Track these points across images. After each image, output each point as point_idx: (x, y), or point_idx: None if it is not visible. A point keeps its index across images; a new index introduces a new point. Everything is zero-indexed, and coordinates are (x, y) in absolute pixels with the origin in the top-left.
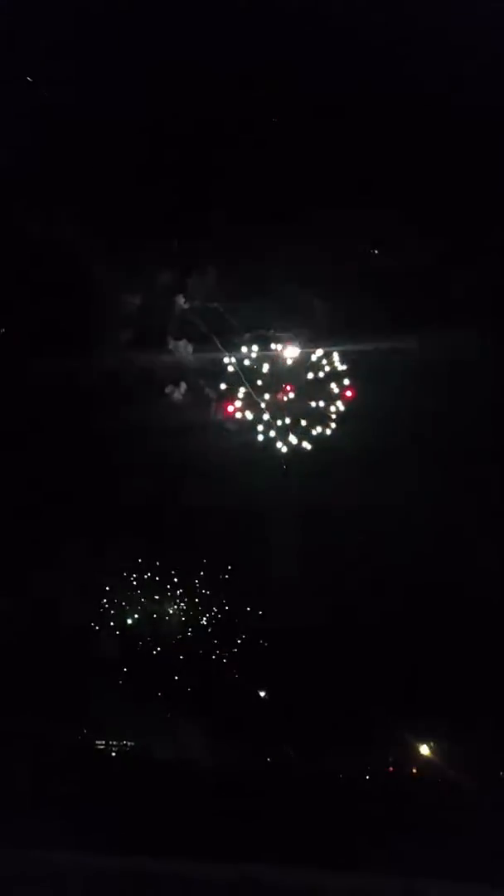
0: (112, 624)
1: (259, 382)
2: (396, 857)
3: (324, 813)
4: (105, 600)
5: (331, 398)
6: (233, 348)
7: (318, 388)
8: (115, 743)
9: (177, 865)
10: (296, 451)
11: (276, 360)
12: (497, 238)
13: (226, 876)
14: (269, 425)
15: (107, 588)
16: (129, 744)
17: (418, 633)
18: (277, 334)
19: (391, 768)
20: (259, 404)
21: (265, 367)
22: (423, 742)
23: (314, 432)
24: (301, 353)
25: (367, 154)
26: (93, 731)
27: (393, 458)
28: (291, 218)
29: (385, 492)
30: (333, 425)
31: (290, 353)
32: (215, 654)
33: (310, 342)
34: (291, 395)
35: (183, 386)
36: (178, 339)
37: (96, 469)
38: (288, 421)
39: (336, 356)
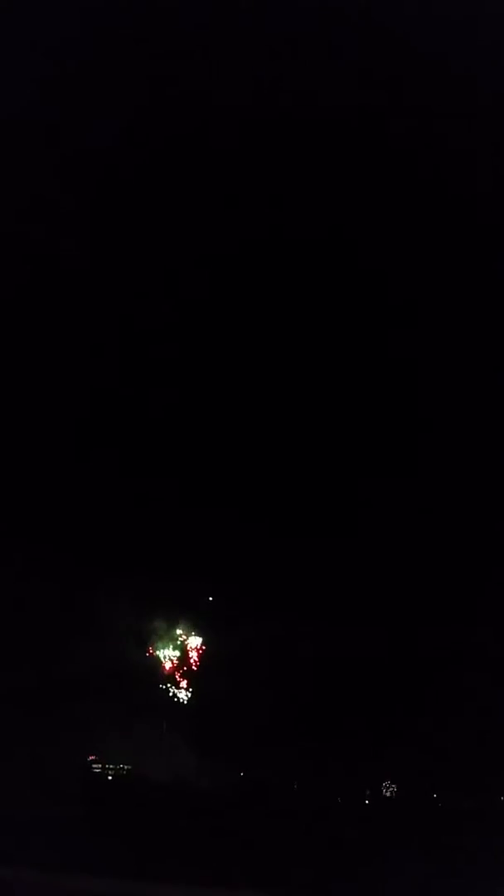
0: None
1: None
2: (393, 886)
3: (320, 840)
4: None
5: None
6: None
7: None
8: (111, 766)
9: (173, 891)
10: None
11: None
12: None
13: None
14: None
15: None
16: (125, 767)
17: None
18: None
19: (388, 794)
20: None
21: None
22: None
23: None
24: None
25: None
26: (90, 754)
27: None
28: None
29: None
30: None
31: None
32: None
33: None
34: None
35: None
36: None
37: None
38: None
39: None
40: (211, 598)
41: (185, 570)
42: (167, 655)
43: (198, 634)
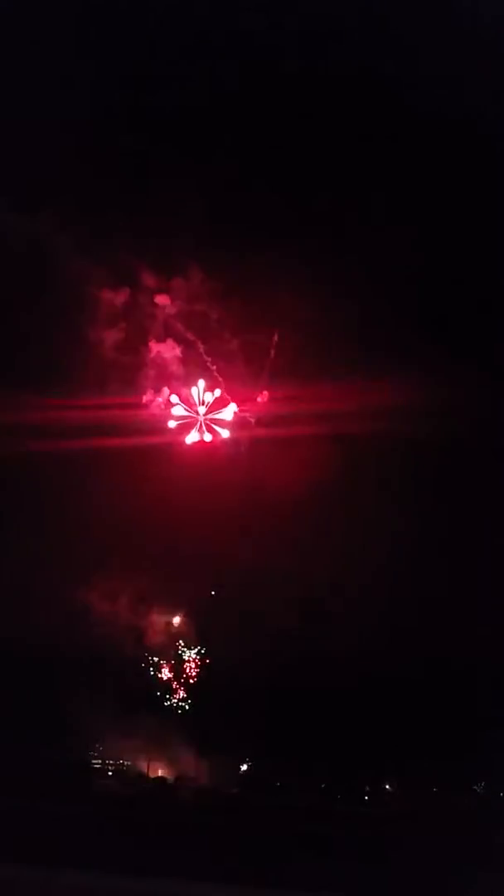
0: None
1: None
2: (395, 886)
3: (323, 838)
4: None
5: None
6: None
7: None
8: (111, 762)
9: (173, 887)
10: None
11: None
12: None
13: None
14: None
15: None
16: (125, 763)
17: None
18: None
19: (388, 794)
20: None
21: None
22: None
23: None
24: None
25: None
26: (89, 750)
27: None
28: None
29: None
30: None
31: None
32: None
33: None
34: None
35: None
36: None
37: None
38: None
39: None
40: (214, 593)
41: (185, 570)
42: (167, 652)
43: (198, 631)
